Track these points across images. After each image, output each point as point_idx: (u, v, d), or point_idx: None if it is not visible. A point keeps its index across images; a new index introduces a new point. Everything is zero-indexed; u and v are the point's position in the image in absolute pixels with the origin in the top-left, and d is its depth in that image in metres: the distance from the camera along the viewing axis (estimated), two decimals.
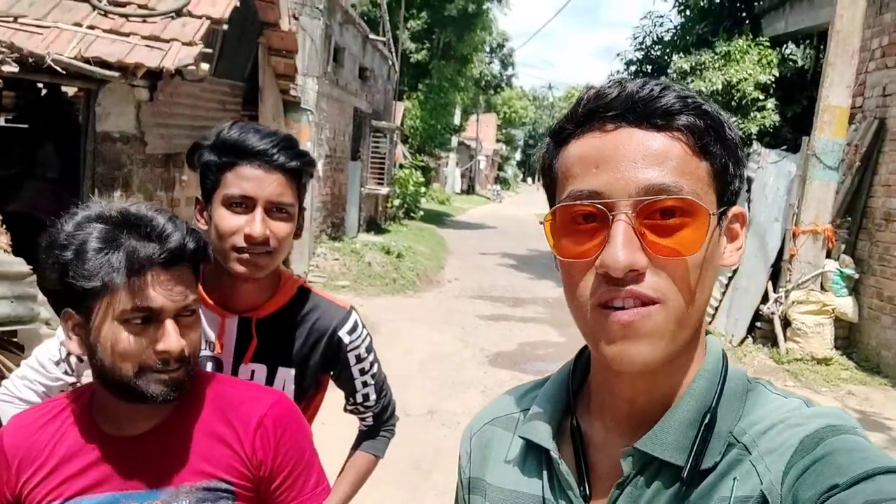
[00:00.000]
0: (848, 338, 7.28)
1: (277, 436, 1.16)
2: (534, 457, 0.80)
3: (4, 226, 3.58)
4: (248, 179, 1.30)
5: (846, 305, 7.07)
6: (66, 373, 1.43)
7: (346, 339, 1.47)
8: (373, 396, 1.56)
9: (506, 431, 0.85)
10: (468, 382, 6.34)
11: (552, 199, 0.76)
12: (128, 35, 5.12)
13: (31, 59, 4.06)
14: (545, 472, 0.78)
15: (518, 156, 73.37)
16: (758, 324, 7.49)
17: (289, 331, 1.43)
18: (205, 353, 1.39)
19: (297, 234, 1.41)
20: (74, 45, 4.70)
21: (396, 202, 17.42)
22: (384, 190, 15.04)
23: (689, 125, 0.68)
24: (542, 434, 0.78)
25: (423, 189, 19.83)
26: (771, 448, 0.66)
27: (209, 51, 5.41)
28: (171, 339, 1.04)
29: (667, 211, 0.67)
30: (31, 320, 3.06)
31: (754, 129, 9.23)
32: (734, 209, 0.73)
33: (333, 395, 1.60)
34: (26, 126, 8.23)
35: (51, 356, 1.45)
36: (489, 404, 0.94)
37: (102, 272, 1.01)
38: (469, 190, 40.64)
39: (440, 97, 22.27)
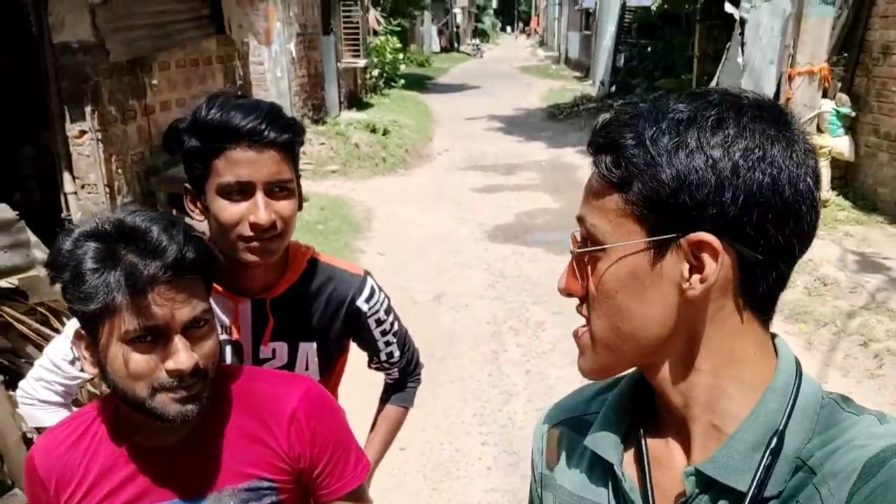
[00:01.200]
0: (844, 177, 7.27)
1: (311, 427, 1.15)
2: (600, 467, 0.80)
3: None
4: (241, 164, 1.20)
5: (842, 145, 7.00)
6: (82, 370, 1.41)
7: (365, 307, 1.44)
8: (397, 353, 1.56)
9: (575, 434, 0.86)
10: (470, 262, 6.41)
11: None
12: None
13: None
14: (610, 484, 0.78)
15: (495, 3, 69.92)
16: None
17: (305, 305, 1.39)
18: (222, 337, 1.36)
19: (299, 206, 1.33)
20: None
21: (375, 72, 16.77)
22: (361, 62, 14.44)
23: (601, 160, 0.71)
24: (608, 447, 0.78)
25: (400, 55, 19.05)
26: (835, 471, 0.64)
27: None
28: (181, 356, 0.99)
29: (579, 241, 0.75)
30: (29, 267, 3.00)
31: None
32: (692, 237, 0.66)
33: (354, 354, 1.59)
34: None
35: (64, 356, 1.41)
36: (561, 400, 0.93)
37: (101, 294, 0.96)
38: (449, 47, 39.05)
39: None
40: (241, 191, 1.21)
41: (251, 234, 1.22)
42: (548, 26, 43.39)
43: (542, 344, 4.69)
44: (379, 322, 1.48)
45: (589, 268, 0.73)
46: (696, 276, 0.67)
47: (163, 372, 0.99)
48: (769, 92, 7.29)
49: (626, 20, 17.67)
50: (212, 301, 1.32)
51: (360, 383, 1.96)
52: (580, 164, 10.26)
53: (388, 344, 1.52)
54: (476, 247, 6.86)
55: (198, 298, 1.03)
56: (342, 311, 1.42)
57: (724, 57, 9.15)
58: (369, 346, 1.52)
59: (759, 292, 0.69)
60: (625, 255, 0.70)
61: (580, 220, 0.74)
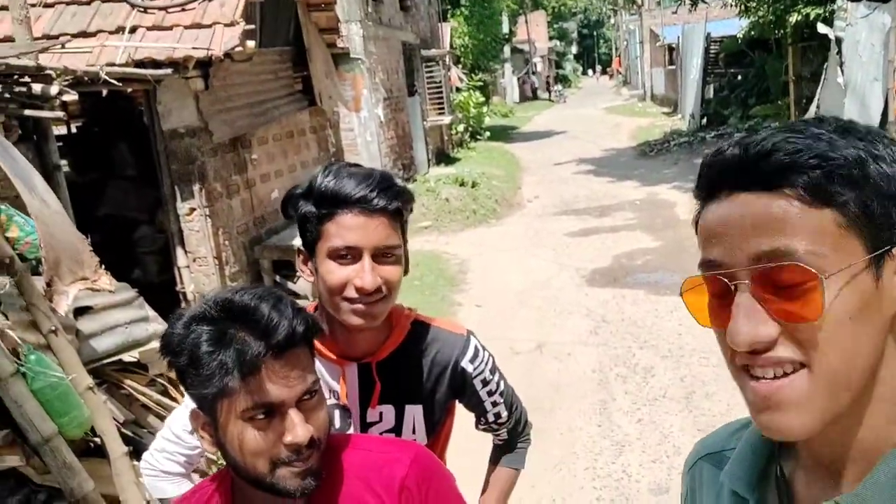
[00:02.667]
0: None
1: (423, 495, 1.13)
2: (737, 501, 0.78)
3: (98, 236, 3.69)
4: (351, 229, 1.23)
5: None
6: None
7: (470, 368, 1.42)
8: (504, 413, 1.51)
9: (715, 468, 0.85)
10: (570, 308, 6.28)
11: None
12: (171, 28, 5.07)
13: (86, 78, 4.07)
14: None
15: (574, 49, 70.36)
16: None
17: (410, 368, 1.38)
18: (330, 401, 1.36)
19: (405, 270, 1.34)
20: (123, 51, 4.70)
21: (461, 128, 17.11)
22: (446, 119, 14.78)
23: (801, 181, 0.64)
24: (744, 483, 0.77)
25: (484, 108, 19.38)
26: None
27: (251, 26, 5.31)
28: (298, 430, 1.00)
29: (785, 276, 0.64)
30: (148, 340, 3.17)
31: None
32: None
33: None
34: (97, 129, 8.45)
35: (184, 426, 1.45)
36: (705, 437, 0.92)
37: (217, 376, 0.97)
38: (532, 96, 39.43)
39: (484, 8, 21.41)
40: (350, 255, 1.24)
41: (356, 296, 1.24)
42: (630, 65, 43.13)
43: (653, 390, 4.49)
44: (485, 382, 1.45)
45: (800, 299, 0.63)
46: None
47: (281, 447, 1.00)
48: (876, 109, 6.88)
49: (712, 51, 17.30)
50: (319, 366, 1.34)
51: (468, 446, 1.92)
52: (676, 200, 9.97)
53: (494, 405, 1.48)
54: (575, 292, 6.73)
55: (308, 371, 1.04)
56: (447, 372, 1.40)
57: (822, 78, 8.73)
58: (476, 407, 1.49)
59: None
60: (851, 277, 0.63)
61: (767, 256, 0.64)
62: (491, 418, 1.51)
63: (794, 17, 8.80)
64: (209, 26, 5.04)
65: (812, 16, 8.57)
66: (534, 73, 42.09)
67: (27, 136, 3.69)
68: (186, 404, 1.48)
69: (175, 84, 5.14)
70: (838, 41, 7.52)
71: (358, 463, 1.14)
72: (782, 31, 9.39)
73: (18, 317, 2.64)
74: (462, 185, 11.34)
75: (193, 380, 1.00)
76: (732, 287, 0.65)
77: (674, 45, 22.35)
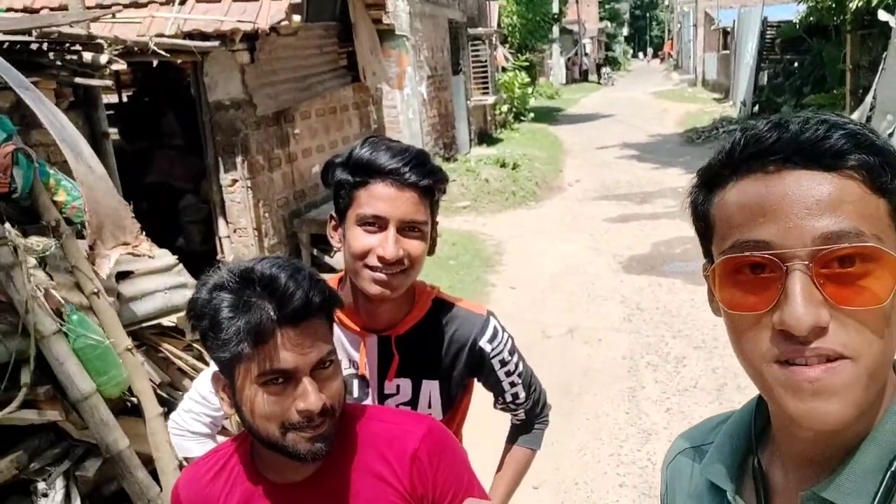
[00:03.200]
0: None
1: (434, 467, 1.15)
2: (715, 494, 0.79)
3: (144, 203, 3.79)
4: (380, 198, 1.27)
5: None
6: None
7: (488, 348, 1.43)
8: (522, 394, 1.53)
9: (693, 462, 0.86)
10: (605, 294, 6.23)
11: (707, 247, 0.74)
12: (219, 0, 5.14)
13: (136, 48, 4.17)
14: None
15: (625, 31, 68.91)
16: None
17: (429, 344, 1.40)
18: (349, 371, 1.40)
19: (431, 250, 1.37)
20: (172, 22, 4.79)
21: (504, 108, 16.97)
22: (490, 99, 14.66)
23: (862, 164, 0.63)
24: (721, 474, 0.77)
25: (529, 89, 19.17)
26: None
27: (297, 1, 5.34)
28: (311, 398, 1.03)
29: (846, 259, 0.62)
30: (186, 306, 3.26)
31: None
32: None
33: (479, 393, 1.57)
34: (147, 99, 8.65)
35: (210, 388, 1.50)
36: (685, 432, 0.92)
37: (233, 341, 1.01)
38: (580, 78, 38.82)
39: None
40: (376, 224, 1.27)
41: (378, 265, 1.27)
42: (682, 49, 42.08)
43: (684, 380, 4.45)
44: (503, 363, 1.46)
45: (852, 284, 0.62)
46: None
47: (293, 412, 1.03)
48: None
49: (768, 36, 16.76)
50: (341, 335, 1.37)
51: (486, 425, 1.94)
52: None
53: (512, 385, 1.50)
54: (611, 278, 6.67)
55: (323, 341, 1.07)
56: (465, 351, 1.42)
57: (880, 67, 8.40)
58: (494, 387, 1.51)
59: None
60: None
61: (838, 236, 0.61)
62: (509, 398, 1.52)
63: (854, 3, 8.47)
64: (256, 0, 5.10)
65: (874, 2, 8.23)
66: (585, 54, 41.40)
67: (77, 103, 3.80)
68: (212, 367, 1.53)
69: (222, 56, 5.23)
70: None
71: (372, 432, 1.17)
72: (842, 18, 9.05)
73: (63, 278, 2.74)
74: (503, 166, 11.28)
75: (213, 343, 1.03)
76: (785, 268, 0.62)
77: (728, 29, 21.72)
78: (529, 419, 1.59)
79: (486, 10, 15.80)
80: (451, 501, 1.17)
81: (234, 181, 5.62)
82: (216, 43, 4.85)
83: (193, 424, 1.53)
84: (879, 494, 0.64)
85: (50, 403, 2.65)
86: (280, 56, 5.91)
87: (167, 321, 3.34)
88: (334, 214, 1.36)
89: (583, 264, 7.18)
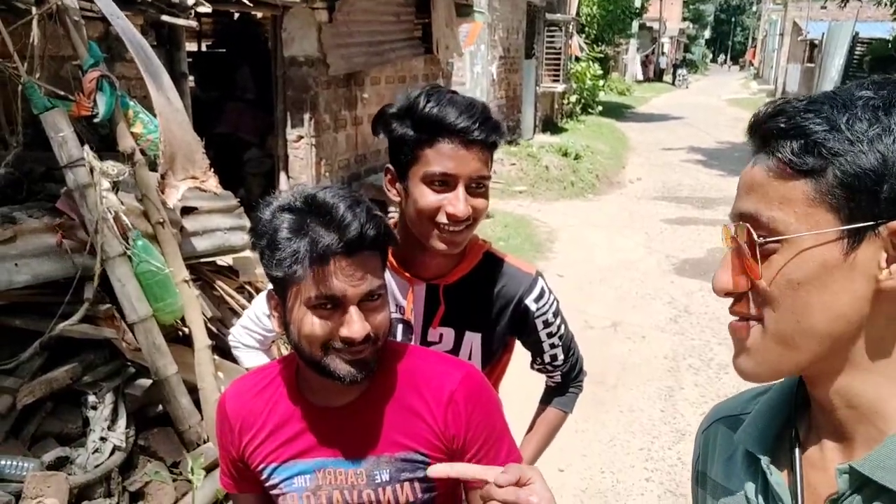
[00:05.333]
0: None
1: (469, 411, 1.17)
2: (751, 463, 0.80)
3: (211, 153, 3.91)
4: (450, 157, 1.27)
5: None
6: None
7: (533, 307, 1.44)
8: (561, 356, 1.54)
9: (729, 430, 0.86)
10: (653, 293, 6.15)
11: None
12: None
13: None
14: (760, 480, 0.78)
15: (707, 34, 66.98)
16: None
17: (475, 296, 1.42)
18: (395, 315, 1.43)
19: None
20: None
21: (573, 98, 16.75)
22: (560, 87, 14.49)
23: (783, 149, 0.67)
24: (756, 443, 0.78)
25: (600, 82, 18.86)
26: None
27: None
28: (355, 325, 1.06)
29: (760, 237, 0.69)
30: (244, 248, 3.36)
31: None
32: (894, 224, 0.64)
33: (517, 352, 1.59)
34: (224, 51, 8.84)
35: (264, 310, 1.59)
36: (721, 402, 0.94)
37: (289, 261, 1.04)
38: (654, 77, 37.99)
39: None
40: (445, 182, 1.28)
41: (447, 222, 1.29)
42: (765, 58, 40.71)
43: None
44: (546, 323, 1.47)
45: (761, 261, 0.69)
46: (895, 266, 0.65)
47: (337, 337, 1.07)
48: None
49: (857, 52, 16.09)
50: (390, 279, 1.40)
51: (522, 386, 1.96)
52: None
53: (553, 346, 1.51)
54: (661, 278, 6.57)
55: (374, 274, 1.09)
56: (510, 307, 1.43)
57: None
58: (534, 346, 1.52)
59: None
60: (812, 246, 0.66)
61: (744, 216, 0.70)
62: (547, 359, 1.53)
63: None
64: None
65: None
66: (662, 53, 40.46)
67: (161, 43, 3.92)
68: (269, 287, 1.60)
69: (301, 13, 5.30)
70: None
71: (412, 370, 1.20)
72: None
73: (132, 204, 2.86)
74: (565, 155, 11.18)
75: (269, 262, 1.07)
76: (732, 239, 0.73)
77: (816, 42, 20.92)
78: (565, 382, 1.59)
79: None
80: (482, 447, 1.19)
81: (300, 137, 5.72)
82: None
83: (246, 339, 1.64)
84: None
85: (108, 322, 2.77)
86: (357, 19, 5.96)
87: (223, 261, 3.46)
88: (391, 168, 1.35)
89: (634, 261, 7.09)
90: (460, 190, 1.28)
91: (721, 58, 74.14)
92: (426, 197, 1.28)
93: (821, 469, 0.73)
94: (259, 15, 8.46)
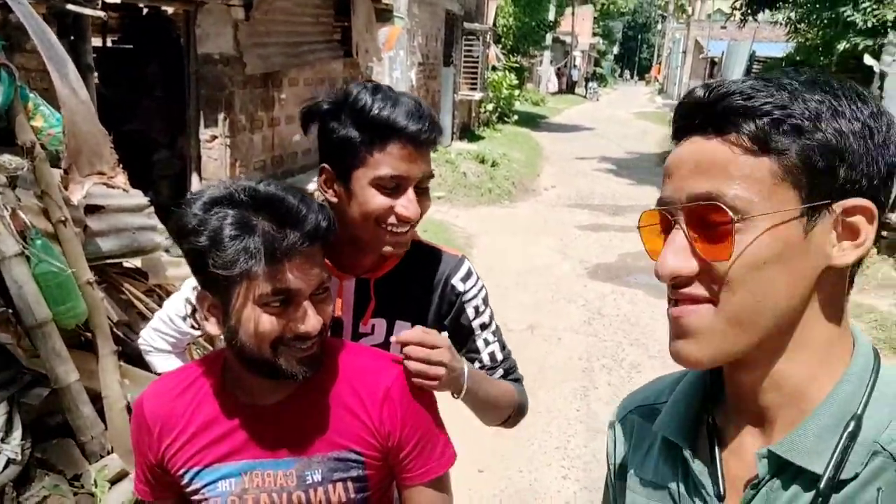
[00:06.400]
0: None
1: (404, 407, 1.16)
2: (670, 452, 0.80)
3: (120, 152, 3.72)
4: (401, 160, 1.23)
5: None
6: (192, 327, 1.51)
7: (461, 287, 1.41)
8: (499, 353, 1.47)
9: (646, 422, 0.86)
10: (568, 297, 6.31)
11: None
12: None
13: None
14: (680, 469, 0.78)
15: (616, 49, 69.61)
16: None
17: (406, 286, 1.40)
18: None
19: None
20: None
21: (490, 107, 17.02)
22: (477, 95, 14.70)
23: (747, 127, 0.67)
24: (677, 430, 0.78)
25: (516, 91, 19.25)
26: None
27: None
28: (311, 320, 1.04)
29: (713, 216, 0.67)
30: (153, 249, 3.21)
31: (890, 17, 8.23)
32: (848, 202, 0.66)
33: None
34: (131, 47, 8.46)
35: (178, 311, 1.52)
36: (633, 392, 0.94)
37: (241, 260, 0.98)
38: (566, 89, 39.09)
39: None
40: (395, 185, 1.26)
41: (396, 223, 1.27)
42: (669, 74, 42.68)
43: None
44: (477, 311, 1.42)
45: (721, 241, 0.67)
46: (846, 243, 0.67)
47: (289, 333, 1.04)
48: None
49: (754, 70, 17.11)
50: None
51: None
52: None
53: (487, 343, 1.44)
54: (575, 283, 6.75)
55: (322, 267, 1.07)
56: (438, 289, 1.40)
57: None
58: (469, 344, 1.45)
59: (860, 264, 0.70)
60: (777, 224, 0.66)
61: (700, 196, 0.68)
62: (486, 360, 1.45)
63: (842, 45, 8.71)
64: None
65: (860, 46, 8.47)
66: (574, 67, 41.71)
67: (65, 34, 3.70)
68: (183, 293, 1.53)
69: (217, 9, 5.15)
70: (882, 76, 7.44)
71: (347, 367, 1.18)
72: (829, 59, 9.29)
73: (31, 201, 2.68)
74: (482, 162, 11.32)
75: (214, 261, 0.99)
76: (673, 223, 0.70)
77: (716, 60, 22.11)
78: (507, 377, 1.48)
79: (484, 7, 15.83)
80: (417, 444, 1.18)
81: (214, 137, 5.54)
82: None
83: (158, 342, 1.56)
84: (836, 454, 0.65)
85: (3, 327, 2.58)
86: (275, 18, 5.85)
87: (131, 262, 3.29)
88: (328, 168, 1.30)
89: (550, 266, 7.26)
90: (411, 192, 1.26)
91: (627, 73, 77.19)
92: (376, 199, 1.25)
93: (739, 455, 0.74)
94: (170, 10, 8.17)
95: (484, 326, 1.44)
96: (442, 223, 8.55)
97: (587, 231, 8.85)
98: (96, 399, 2.76)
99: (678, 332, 0.71)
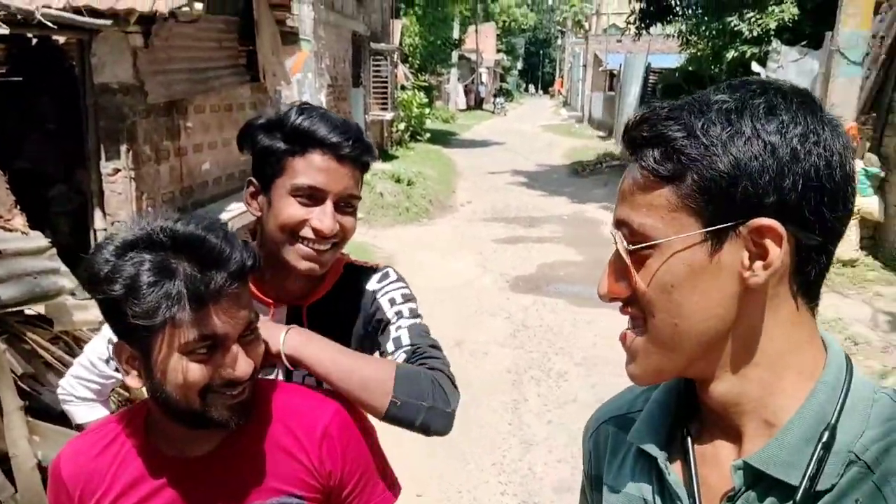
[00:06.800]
0: (873, 237, 7.19)
1: (343, 444, 1.12)
2: (645, 462, 0.79)
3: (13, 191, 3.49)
4: (320, 170, 1.22)
5: (872, 205, 6.95)
6: (116, 370, 1.42)
7: (375, 287, 1.36)
8: (406, 339, 1.30)
9: (620, 432, 0.85)
10: (491, 310, 6.36)
11: None
12: None
13: (19, 16, 3.86)
14: (655, 479, 0.77)
15: (520, 65, 71.49)
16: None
17: (338, 311, 1.36)
18: None
19: None
20: None
21: (402, 126, 17.09)
22: (388, 115, 14.74)
23: (644, 158, 0.69)
24: (652, 442, 0.78)
25: (426, 110, 19.43)
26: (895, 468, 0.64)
27: None
28: (242, 365, 0.99)
29: (633, 243, 0.71)
30: (57, 294, 3.02)
31: (773, 25, 8.81)
32: (753, 223, 0.65)
33: None
34: (20, 79, 8.00)
35: (100, 355, 1.44)
36: (607, 402, 0.93)
37: (163, 308, 0.92)
38: (474, 105, 39.77)
39: (437, 11, 21.52)
40: (313, 196, 1.23)
41: (311, 237, 1.23)
42: (571, 87, 44.16)
43: (564, 394, 4.60)
44: (392, 302, 1.34)
45: (637, 267, 0.70)
46: (758, 263, 0.66)
47: (217, 380, 0.98)
48: None
49: (651, 81, 17.94)
50: None
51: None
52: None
53: (398, 329, 1.32)
54: (498, 296, 6.82)
55: (249, 307, 1.02)
56: (361, 301, 1.36)
57: None
58: (382, 331, 1.33)
59: (811, 278, 0.69)
60: (681, 250, 0.68)
61: (620, 223, 0.72)
62: (390, 346, 1.29)
63: (730, 54, 9.27)
64: None
65: (748, 54, 9.04)
66: (481, 83, 42.52)
67: None
68: (104, 334, 1.44)
69: (113, 37, 4.94)
70: None
71: (281, 407, 1.13)
72: (719, 68, 9.87)
73: None
74: (398, 181, 11.33)
75: (132, 310, 0.93)
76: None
77: (615, 72, 23.04)
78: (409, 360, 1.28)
79: (390, 27, 15.93)
80: (359, 481, 1.14)
81: (117, 170, 5.29)
82: (108, 21, 4.58)
83: (81, 390, 1.46)
84: (811, 465, 0.65)
85: None
86: (177, 44, 5.66)
87: (33, 309, 3.09)
88: (254, 181, 1.29)
89: (471, 281, 7.31)
90: (328, 205, 1.23)
91: (532, 87, 79.36)
92: (291, 209, 1.23)
93: (715, 466, 0.74)
94: (62, 40, 7.78)
95: (399, 315, 1.33)
96: (361, 245, 8.48)
97: (505, 244, 8.98)
98: (3, 460, 2.56)
99: (626, 353, 0.75)
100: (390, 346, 1.30)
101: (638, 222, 0.69)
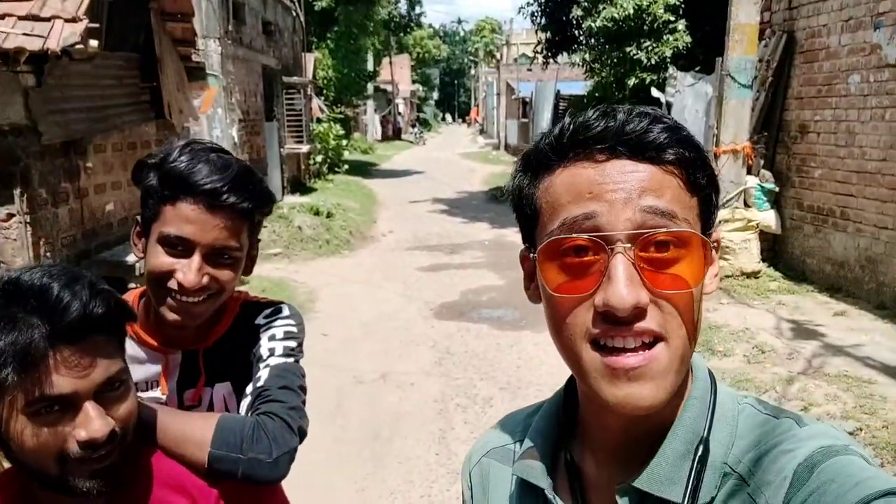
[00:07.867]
0: (773, 249, 7.57)
1: (243, 500, 1.06)
2: (531, 493, 0.76)
3: None
4: (188, 220, 1.14)
5: (769, 219, 7.33)
6: None
7: (262, 322, 1.29)
8: (263, 380, 1.19)
9: (502, 465, 0.83)
10: (416, 339, 6.32)
11: (530, 232, 0.72)
12: (2, 17, 4.63)
13: None
14: None
15: (436, 95, 72.54)
16: None
17: (235, 351, 1.29)
18: (151, 394, 1.26)
19: (249, 270, 1.27)
20: None
21: (319, 158, 16.96)
22: (304, 147, 14.58)
23: (679, 159, 0.66)
24: (536, 472, 0.75)
25: (344, 141, 19.37)
26: (768, 480, 0.63)
27: (96, 25, 4.97)
28: (95, 424, 0.89)
29: (663, 243, 0.63)
30: None
31: (668, 53, 9.28)
32: (714, 233, 0.70)
33: None
34: None
35: None
36: (485, 434, 0.90)
37: None
38: (393, 136, 39.96)
39: (350, 44, 21.59)
40: (181, 246, 1.15)
41: (175, 289, 1.16)
42: (487, 115, 45.08)
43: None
44: (271, 338, 1.26)
45: (677, 268, 0.63)
46: (712, 270, 0.69)
47: (73, 442, 0.89)
48: None
49: (561, 107, 18.53)
50: (141, 353, 1.24)
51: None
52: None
53: (264, 367, 1.22)
54: (423, 324, 6.79)
55: (110, 359, 0.93)
56: (252, 340, 1.29)
57: None
58: (255, 369, 1.24)
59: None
60: (703, 248, 0.66)
61: (660, 213, 0.63)
62: (248, 389, 1.21)
63: (632, 81, 9.71)
64: (48, 20, 4.66)
65: (647, 80, 9.48)
66: (399, 114, 42.83)
67: None
68: None
69: (2, 77, 4.69)
70: (668, 106, 8.35)
71: (173, 466, 1.05)
72: (623, 93, 10.32)
73: None
74: (317, 214, 11.19)
75: None
76: (609, 250, 0.63)
77: (527, 100, 23.69)
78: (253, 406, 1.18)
79: (302, 60, 15.84)
80: None
81: (10, 216, 4.99)
82: None
83: None
84: (691, 480, 0.65)
85: None
86: (73, 83, 5.43)
87: None
88: (139, 221, 1.22)
89: (396, 311, 7.25)
90: (195, 258, 1.15)
91: (448, 116, 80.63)
92: (158, 258, 1.16)
93: (601, 489, 0.73)
94: None
95: (272, 353, 1.24)
96: (281, 281, 8.30)
97: (428, 272, 8.98)
98: None
99: (632, 378, 0.63)
100: (249, 388, 1.21)
101: (684, 219, 0.64)
